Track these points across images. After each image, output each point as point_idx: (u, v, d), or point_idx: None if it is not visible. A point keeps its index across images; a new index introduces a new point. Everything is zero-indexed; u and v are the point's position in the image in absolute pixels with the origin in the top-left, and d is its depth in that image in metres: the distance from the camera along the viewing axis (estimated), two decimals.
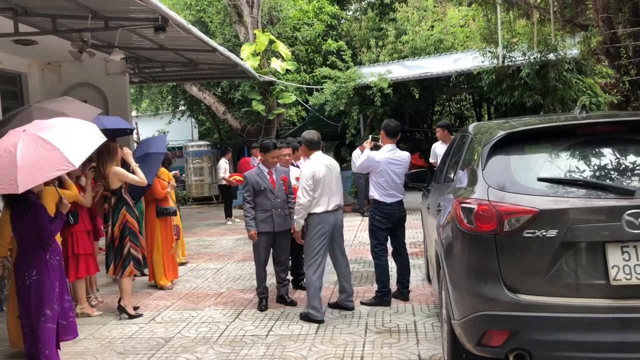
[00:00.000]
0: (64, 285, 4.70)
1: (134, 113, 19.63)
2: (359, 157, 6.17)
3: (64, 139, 4.14)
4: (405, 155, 6.00)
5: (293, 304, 6.01)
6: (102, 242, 6.82)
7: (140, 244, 5.99)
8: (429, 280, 6.33)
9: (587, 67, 11.44)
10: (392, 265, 6.12)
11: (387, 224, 5.87)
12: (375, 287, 6.39)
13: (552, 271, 3.09)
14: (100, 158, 5.82)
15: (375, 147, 6.06)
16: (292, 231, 5.74)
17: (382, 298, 5.86)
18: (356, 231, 10.94)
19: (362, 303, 5.91)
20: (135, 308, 6.02)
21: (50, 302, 4.35)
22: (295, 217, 5.49)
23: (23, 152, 3.96)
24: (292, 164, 6.68)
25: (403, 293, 5.98)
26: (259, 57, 15.14)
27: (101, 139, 4.50)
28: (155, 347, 4.94)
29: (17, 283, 4.39)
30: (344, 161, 15.56)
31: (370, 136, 6.40)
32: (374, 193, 5.86)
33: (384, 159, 5.81)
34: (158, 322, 5.70)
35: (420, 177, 5.68)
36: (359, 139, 14.25)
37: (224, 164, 12.88)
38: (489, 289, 3.18)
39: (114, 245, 5.83)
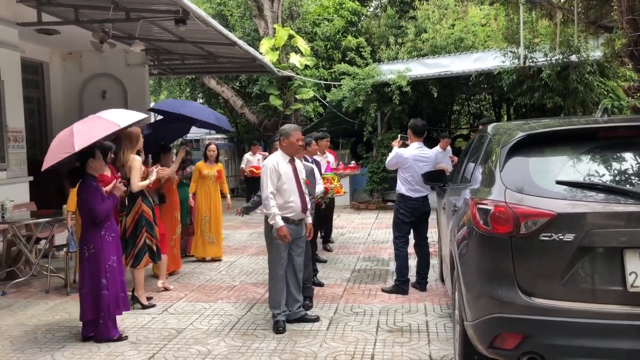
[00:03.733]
0: (120, 261, 5.09)
1: (152, 105, 19.72)
2: (390, 154, 6.45)
3: (114, 113, 5.05)
4: (432, 153, 6.39)
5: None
6: None
7: (155, 234, 6.00)
8: (442, 280, 6.30)
9: (610, 70, 11.29)
10: (411, 263, 6.20)
11: (411, 218, 6.20)
12: (388, 284, 6.43)
13: (568, 275, 3.05)
14: (121, 145, 5.75)
15: (404, 146, 6.44)
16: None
17: (400, 287, 6.18)
18: (370, 229, 10.92)
19: (382, 290, 6.30)
20: (149, 298, 6.07)
21: (104, 273, 4.84)
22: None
23: (79, 125, 4.82)
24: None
25: (421, 284, 6.31)
26: (277, 52, 15.13)
27: (115, 126, 4.97)
28: (167, 338, 4.97)
29: (80, 255, 4.99)
30: (360, 158, 15.53)
31: (399, 135, 6.72)
32: (401, 187, 6.20)
33: (411, 156, 6.15)
34: (171, 313, 5.73)
35: (437, 177, 5.66)
36: (376, 136, 14.21)
37: (247, 157, 14.05)
38: (503, 292, 3.14)
39: (126, 234, 5.81)
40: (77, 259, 5.92)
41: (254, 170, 13.43)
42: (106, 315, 4.86)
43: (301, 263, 5.31)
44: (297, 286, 5.31)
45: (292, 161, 5.18)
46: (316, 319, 5.27)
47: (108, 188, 5.18)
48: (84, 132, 4.63)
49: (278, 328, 5.04)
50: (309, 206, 5.22)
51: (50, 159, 4.66)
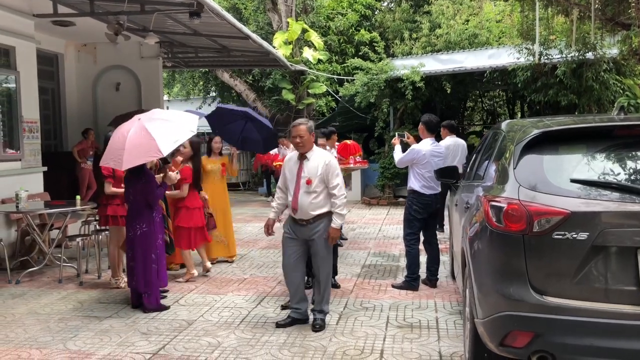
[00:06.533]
0: (163, 239, 5.76)
1: (165, 97, 19.86)
2: (395, 153, 6.44)
3: (161, 131, 5.23)
4: (442, 148, 6.37)
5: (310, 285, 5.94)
6: None
7: (168, 226, 6.08)
8: (453, 277, 6.29)
9: (626, 68, 11.15)
10: (421, 259, 6.22)
11: (424, 214, 6.16)
12: (398, 280, 6.43)
13: (581, 275, 3.03)
14: None
15: (402, 144, 6.50)
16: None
17: (410, 283, 6.18)
18: (381, 224, 10.91)
19: (392, 286, 6.28)
20: (162, 291, 6.10)
21: (154, 248, 5.55)
22: (343, 212, 4.85)
23: (131, 138, 5.16)
24: None
25: (431, 280, 6.30)
26: (291, 46, 15.13)
27: (191, 132, 5.45)
28: (177, 329, 5.01)
29: (128, 233, 5.60)
30: (372, 153, 15.50)
31: (396, 134, 6.79)
32: (415, 184, 6.13)
33: (429, 151, 6.11)
34: (182, 304, 5.77)
35: (450, 173, 5.64)
36: (388, 132, 14.17)
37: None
38: (515, 290, 3.13)
39: None
40: (109, 242, 6.59)
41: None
42: (155, 286, 5.55)
43: (316, 262, 4.99)
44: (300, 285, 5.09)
45: (302, 158, 4.92)
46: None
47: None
48: (132, 152, 5.11)
49: (278, 322, 5.03)
50: (304, 207, 4.81)
51: (136, 159, 5.20)
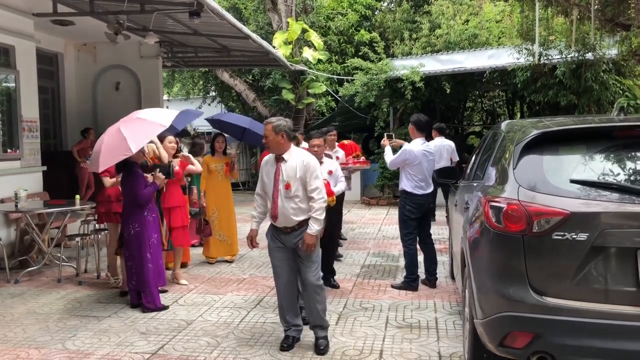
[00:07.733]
0: (159, 239, 5.77)
1: (165, 97, 19.86)
2: (386, 154, 6.41)
3: (132, 130, 5.34)
4: (433, 147, 6.35)
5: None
6: None
7: (162, 230, 6.09)
8: (453, 277, 6.28)
9: (626, 68, 11.16)
10: (420, 259, 6.24)
11: (417, 214, 6.15)
12: (397, 281, 6.42)
13: (580, 275, 3.03)
14: None
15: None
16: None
17: (409, 283, 6.18)
18: (380, 224, 10.90)
19: (392, 286, 6.28)
20: (162, 292, 6.09)
21: (149, 247, 5.56)
22: (321, 217, 4.40)
23: (106, 141, 5.37)
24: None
25: (430, 280, 6.30)
26: (291, 46, 15.11)
27: (161, 127, 5.50)
28: (176, 329, 5.00)
29: (123, 233, 5.66)
30: (371, 153, 15.50)
31: (385, 135, 6.78)
32: (407, 185, 6.11)
33: (420, 152, 6.06)
34: (181, 304, 5.77)
35: (449, 174, 5.65)
36: (388, 132, 14.15)
37: None
38: (515, 290, 3.13)
39: None
40: (108, 241, 6.67)
41: None
42: (152, 286, 5.54)
43: (305, 278, 4.49)
44: (292, 304, 4.62)
45: (279, 160, 4.42)
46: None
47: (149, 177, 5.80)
48: (106, 154, 5.24)
49: (282, 344, 4.52)
50: (285, 214, 4.40)
51: (109, 160, 5.30)
